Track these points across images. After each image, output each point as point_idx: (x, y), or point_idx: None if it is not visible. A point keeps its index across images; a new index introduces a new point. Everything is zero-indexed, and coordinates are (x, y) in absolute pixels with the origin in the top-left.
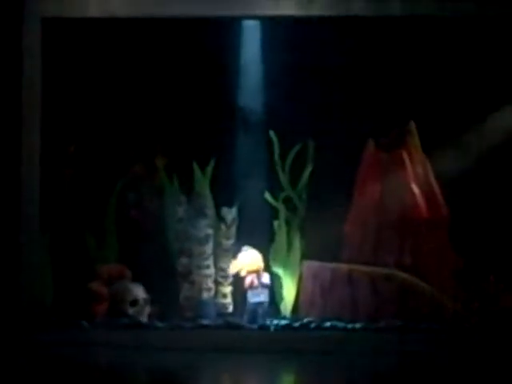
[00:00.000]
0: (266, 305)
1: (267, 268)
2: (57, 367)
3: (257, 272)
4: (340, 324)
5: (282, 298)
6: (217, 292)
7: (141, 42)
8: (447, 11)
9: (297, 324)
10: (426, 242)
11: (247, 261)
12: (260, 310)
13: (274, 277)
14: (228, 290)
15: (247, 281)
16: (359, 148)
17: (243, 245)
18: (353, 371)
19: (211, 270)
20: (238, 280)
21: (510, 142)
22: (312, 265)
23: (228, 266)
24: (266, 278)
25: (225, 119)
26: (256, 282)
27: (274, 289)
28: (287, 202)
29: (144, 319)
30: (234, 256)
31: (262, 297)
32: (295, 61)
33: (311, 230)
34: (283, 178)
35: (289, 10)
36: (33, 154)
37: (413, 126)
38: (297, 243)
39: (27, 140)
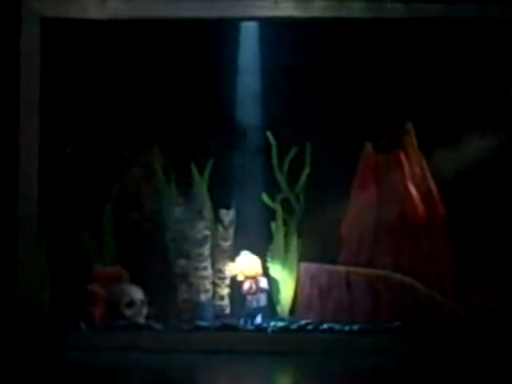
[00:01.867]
0: (265, 310)
1: (265, 270)
2: (54, 369)
3: (254, 278)
4: (337, 326)
5: (279, 300)
6: (214, 294)
7: (139, 43)
8: (446, 13)
9: (294, 326)
10: (423, 244)
11: (245, 266)
12: (259, 315)
13: (272, 278)
14: (225, 291)
15: (245, 286)
16: (357, 149)
17: (241, 246)
18: (350, 373)
19: (209, 272)
20: (235, 282)
21: (508, 142)
22: (309, 267)
23: (226, 268)
24: (264, 283)
25: (223, 121)
26: (254, 288)
27: (272, 290)
28: (285, 203)
29: (141, 320)
30: (232, 258)
31: (261, 302)
32: (293, 62)
33: (309, 232)
34: (281, 180)
35: (287, 11)
36: (31, 154)
37: (410, 126)
38: (294, 245)
39: (25, 141)
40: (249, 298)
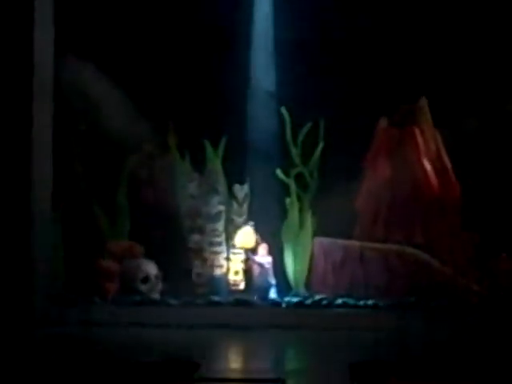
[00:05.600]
0: (273, 287)
1: (279, 244)
2: (69, 344)
3: (252, 250)
4: (351, 301)
5: (293, 275)
6: (228, 269)
7: (152, 18)
8: None
9: (309, 301)
10: (437, 219)
11: (241, 239)
12: (268, 291)
13: (286, 253)
14: (240, 266)
15: (249, 262)
16: (371, 125)
17: (255, 222)
18: (364, 348)
19: (223, 247)
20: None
21: None
22: (324, 242)
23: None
24: (266, 259)
25: (237, 97)
26: (256, 264)
27: (286, 265)
28: (299, 179)
29: (156, 296)
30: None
31: (269, 279)
32: (307, 38)
33: (323, 207)
34: (295, 155)
35: None
36: (45, 132)
37: (424, 102)
38: (308, 220)
39: (39, 119)
40: (256, 274)
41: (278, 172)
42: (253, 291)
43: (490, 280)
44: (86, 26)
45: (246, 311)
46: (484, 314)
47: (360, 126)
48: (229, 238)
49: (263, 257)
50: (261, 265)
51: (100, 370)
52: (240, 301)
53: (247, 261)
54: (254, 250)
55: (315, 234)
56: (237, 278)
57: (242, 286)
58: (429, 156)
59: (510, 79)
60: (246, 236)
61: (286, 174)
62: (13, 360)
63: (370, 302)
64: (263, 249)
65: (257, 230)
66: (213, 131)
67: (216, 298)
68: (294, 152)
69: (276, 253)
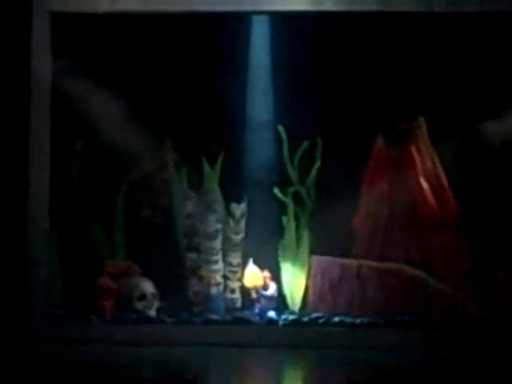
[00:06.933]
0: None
1: (276, 264)
2: (64, 363)
3: (257, 287)
4: (348, 319)
5: (290, 293)
6: (225, 287)
7: (150, 37)
8: (455, 8)
9: (305, 319)
10: (435, 238)
11: (250, 280)
12: (271, 311)
13: (283, 272)
14: (236, 285)
15: (251, 296)
16: (368, 143)
17: (252, 240)
18: (361, 366)
19: (220, 265)
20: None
21: None
22: (321, 260)
23: (237, 261)
24: (271, 290)
25: (234, 114)
26: (261, 299)
27: (283, 284)
28: (296, 197)
29: (152, 314)
30: (244, 251)
31: (269, 304)
32: (304, 56)
33: (320, 226)
34: (292, 174)
35: (300, 5)
36: (42, 149)
37: (422, 120)
38: (305, 238)
39: (36, 137)
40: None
41: (276, 190)
42: (252, 310)
43: (489, 298)
44: (82, 43)
45: (243, 329)
46: (483, 333)
47: (358, 145)
48: (226, 256)
49: (270, 286)
50: (272, 298)
51: None
52: (237, 319)
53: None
54: (263, 286)
55: (312, 252)
56: (233, 296)
57: (238, 303)
58: (426, 175)
59: (507, 97)
60: (253, 276)
61: (284, 192)
62: (6, 380)
63: (367, 320)
64: (267, 278)
65: (254, 248)
66: (210, 149)
67: (213, 316)
68: (291, 170)
69: (273, 270)
